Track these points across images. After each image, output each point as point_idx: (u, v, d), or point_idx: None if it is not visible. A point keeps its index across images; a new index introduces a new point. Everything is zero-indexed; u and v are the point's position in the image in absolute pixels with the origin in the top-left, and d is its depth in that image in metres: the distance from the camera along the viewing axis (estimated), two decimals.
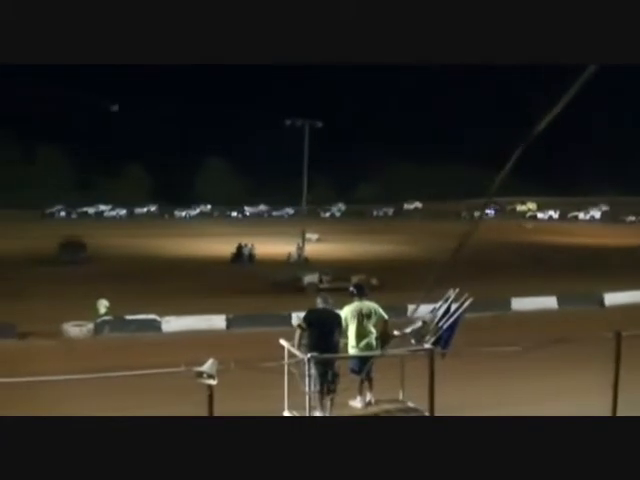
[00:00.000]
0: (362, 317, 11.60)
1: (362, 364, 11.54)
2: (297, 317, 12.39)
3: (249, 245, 57.97)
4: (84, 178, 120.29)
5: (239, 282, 43.59)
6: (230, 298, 35.98)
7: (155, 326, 29.31)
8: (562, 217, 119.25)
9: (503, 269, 49.77)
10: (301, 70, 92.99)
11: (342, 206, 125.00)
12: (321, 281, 40.49)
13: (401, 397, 11.81)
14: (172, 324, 29.38)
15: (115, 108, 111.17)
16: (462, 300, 10.98)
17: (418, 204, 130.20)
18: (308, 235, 60.61)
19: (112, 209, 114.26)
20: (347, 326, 11.55)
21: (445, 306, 11.06)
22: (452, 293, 11.10)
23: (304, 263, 52.63)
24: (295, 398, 10.70)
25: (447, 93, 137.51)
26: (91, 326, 28.74)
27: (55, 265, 50.94)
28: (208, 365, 8.40)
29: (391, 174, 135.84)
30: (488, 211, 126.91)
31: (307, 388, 10.35)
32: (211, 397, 8.37)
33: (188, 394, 8.84)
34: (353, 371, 11.60)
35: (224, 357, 8.80)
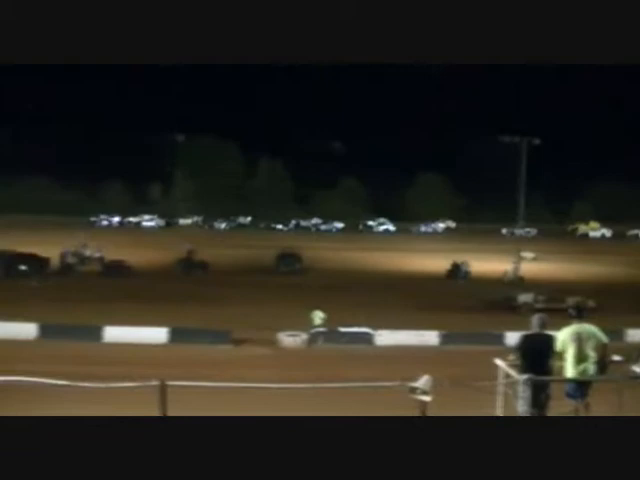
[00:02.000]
0: (581, 340, 11.21)
1: (579, 389, 11.16)
2: (512, 348, 12.04)
3: (464, 262, 57.38)
4: (302, 192, 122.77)
5: (453, 299, 43.27)
6: (444, 314, 35.77)
7: (368, 339, 29.67)
8: (618, 236, 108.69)
9: None
10: (515, 86, 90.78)
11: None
12: (536, 301, 39.49)
13: None
14: (385, 338, 29.64)
15: (338, 145, 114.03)
16: None
17: (451, 223, 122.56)
18: (524, 254, 59.22)
19: (325, 223, 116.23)
20: (565, 349, 11.21)
21: None
22: None
23: (519, 282, 51.49)
24: None
25: None
26: (305, 336, 29.50)
27: (273, 275, 52.71)
28: (423, 381, 8.37)
29: (604, 193, 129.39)
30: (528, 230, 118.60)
31: (520, 409, 10.14)
32: (423, 414, 8.35)
33: (398, 409, 8.85)
34: (569, 395, 11.23)
35: (437, 374, 8.77)
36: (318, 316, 30.54)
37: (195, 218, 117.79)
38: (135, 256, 55.19)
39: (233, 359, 26.00)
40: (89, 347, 26.88)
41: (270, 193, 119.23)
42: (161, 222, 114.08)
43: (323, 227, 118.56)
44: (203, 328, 29.66)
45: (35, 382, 10.64)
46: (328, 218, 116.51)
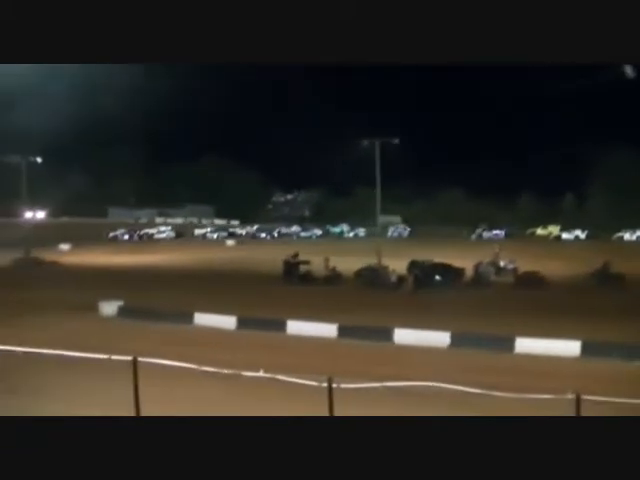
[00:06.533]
0: None
1: None
2: None
3: None
4: None
5: None
6: None
7: None
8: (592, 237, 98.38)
9: None
10: None
11: None
12: None
13: None
14: None
15: None
16: None
17: None
18: None
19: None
20: None
21: None
22: None
23: None
24: None
25: None
26: None
27: None
28: None
29: None
30: (497, 232, 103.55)
31: None
32: None
33: None
34: None
35: None
36: None
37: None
38: (546, 267, 54.66)
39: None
40: (499, 357, 27.15)
41: None
42: (172, 233, 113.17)
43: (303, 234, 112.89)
44: (616, 342, 28.53)
45: (448, 389, 11.10)
46: None
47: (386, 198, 75.79)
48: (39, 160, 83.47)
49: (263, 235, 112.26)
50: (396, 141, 66.50)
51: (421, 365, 24.76)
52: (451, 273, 51.93)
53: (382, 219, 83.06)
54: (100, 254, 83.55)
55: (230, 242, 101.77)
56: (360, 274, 54.52)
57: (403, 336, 30.93)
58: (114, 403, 13.26)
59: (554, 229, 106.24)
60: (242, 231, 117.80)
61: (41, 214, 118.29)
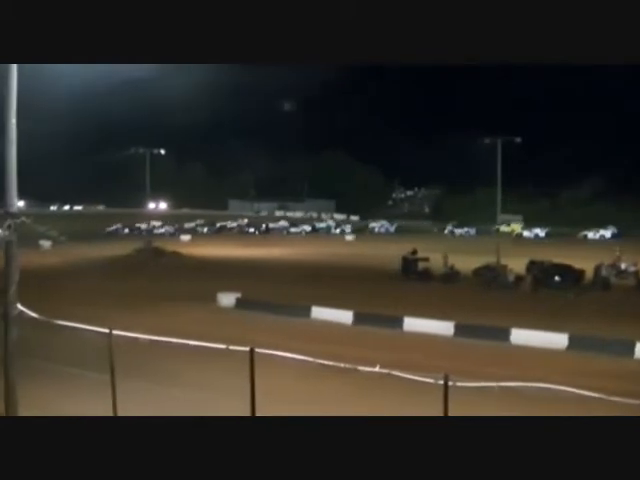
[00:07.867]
0: None
1: None
2: None
3: None
4: None
5: None
6: None
7: None
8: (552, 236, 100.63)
9: None
10: None
11: None
12: None
13: None
14: None
15: None
16: None
17: None
18: None
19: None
20: None
21: None
22: None
23: None
24: None
25: None
26: None
27: None
28: None
29: None
30: (468, 229, 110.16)
31: None
32: None
33: None
34: None
35: None
36: None
37: None
38: None
39: None
40: (618, 362, 26.49)
41: None
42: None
43: None
44: None
45: (561, 391, 10.97)
46: None
47: (508, 197, 74.54)
48: (162, 152, 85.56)
49: (252, 230, 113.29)
50: (518, 140, 65.16)
51: (537, 366, 24.43)
52: (571, 274, 50.60)
53: (503, 218, 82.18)
54: (219, 246, 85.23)
55: (349, 237, 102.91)
56: (478, 272, 53.90)
57: (520, 336, 30.51)
58: (231, 391, 13.65)
59: (516, 227, 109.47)
60: (233, 224, 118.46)
61: (163, 205, 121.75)
